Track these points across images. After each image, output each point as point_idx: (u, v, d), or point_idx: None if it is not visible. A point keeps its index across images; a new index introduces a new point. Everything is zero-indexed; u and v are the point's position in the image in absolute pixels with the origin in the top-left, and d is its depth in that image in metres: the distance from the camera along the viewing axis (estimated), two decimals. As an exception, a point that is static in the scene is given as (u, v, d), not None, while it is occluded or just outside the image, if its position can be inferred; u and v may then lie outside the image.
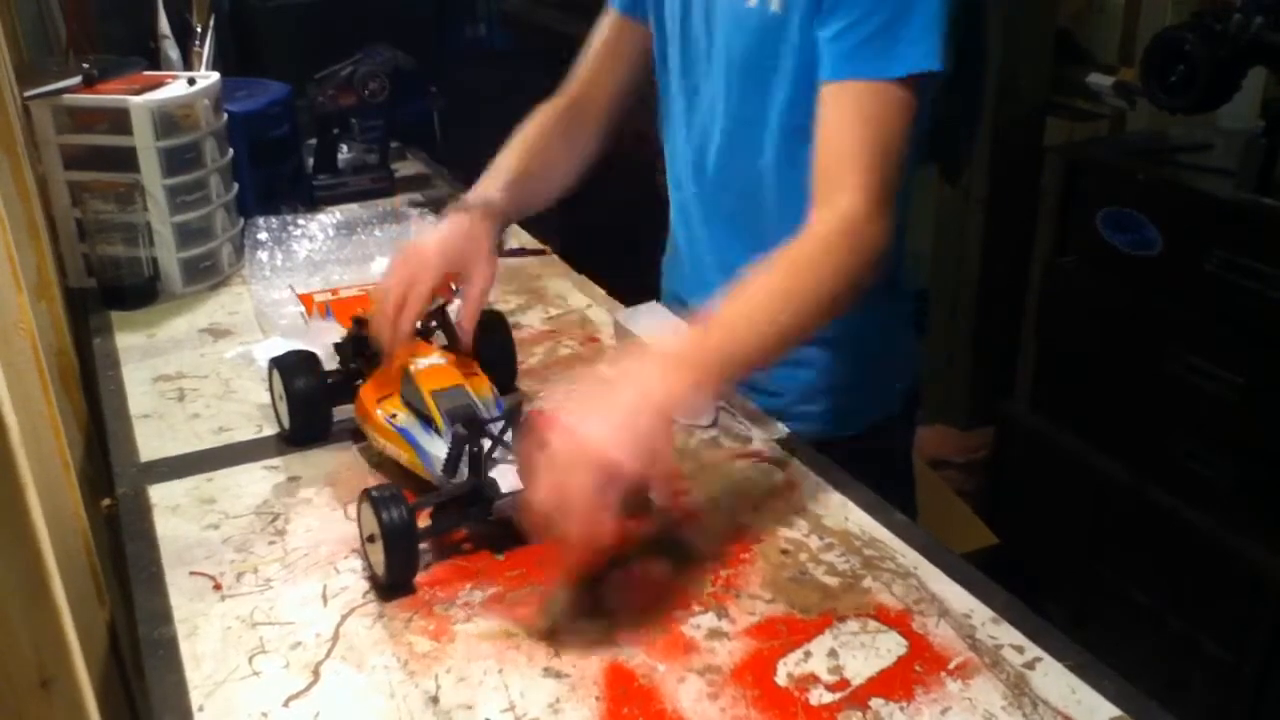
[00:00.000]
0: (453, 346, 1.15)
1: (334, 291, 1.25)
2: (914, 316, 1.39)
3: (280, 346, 1.19)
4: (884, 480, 1.13)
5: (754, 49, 1.14)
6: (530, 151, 1.29)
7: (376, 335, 1.10)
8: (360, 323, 1.14)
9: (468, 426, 0.97)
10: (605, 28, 1.35)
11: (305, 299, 1.29)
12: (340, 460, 1.11)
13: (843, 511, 1.03)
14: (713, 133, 1.22)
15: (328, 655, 0.85)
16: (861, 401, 1.28)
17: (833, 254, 1.05)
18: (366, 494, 0.91)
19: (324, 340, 1.19)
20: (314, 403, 1.13)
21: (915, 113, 1.08)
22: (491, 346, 1.19)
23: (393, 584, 0.91)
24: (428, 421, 1.03)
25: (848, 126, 1.07)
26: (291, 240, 1.55)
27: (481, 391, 1.06)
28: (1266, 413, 1.76)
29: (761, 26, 1.13)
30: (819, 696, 0.81)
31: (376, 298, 1.11)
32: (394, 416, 1.05)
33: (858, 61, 1.06)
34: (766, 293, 1.00)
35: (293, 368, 1.12)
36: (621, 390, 0.90)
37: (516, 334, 1.26)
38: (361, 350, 1.14)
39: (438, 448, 1.00)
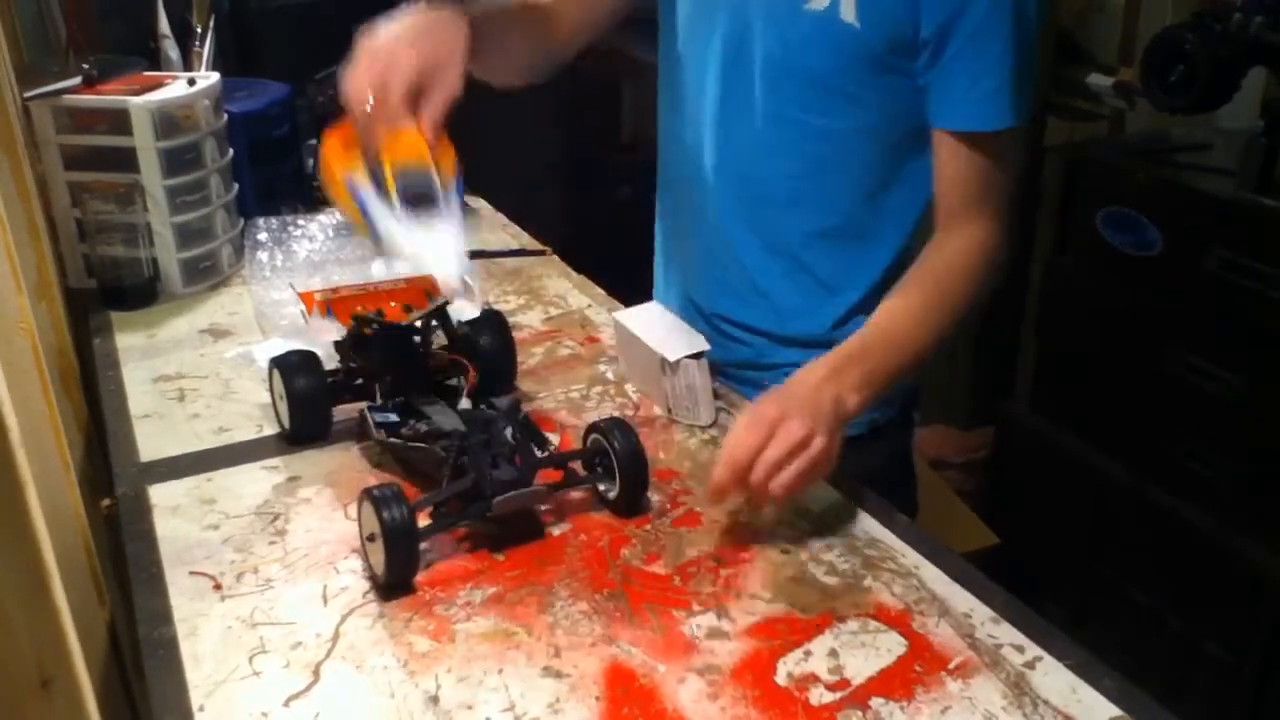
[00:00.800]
0: (452, 347, 1.16)
1: (334, 290, 1.25)
2: None
3: (280, 347, 1.18)
4: (885, 480, 1.13)
5: (813, 55, 1.13)
6: (496, 10, 1.22)
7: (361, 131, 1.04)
8: (361, 320, 1.14)
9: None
10: None
11: (305, 297, 1.29)
12: (340, 460, 1.11)
13: (843, 511, 1.03)
14: (743, 131, 1.20)
15: (328, 655, 0.85)
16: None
17: (971, 275, 1.16)
18: (367, 493, 0.91)
19: (324, 339, 1.19)
20: (314, 402, 1.13)
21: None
22: (491, 346, 1.19)
23: (393, 583, 0.91)
24: (383, 190, 1.02)
25: (974, 174, 1.13)
26: (291, 241, 1.55)
27: (446, 169, 1.04)
28: (1266, 413, 1.76)
29: (828, 34, 1.11)
30: (819, 696, 0.81)
31: (349, 100, 1.03)
32: (352, 174, 1.04)
33: (985, 114, 1.10)
34: (921, 312, 1.12)
35: (293, 367, 1.12)
36: (820, 386, 1.01)
37: (516, 334, 1.26)
38: (362, 348, 1.14)
39: (387, 221, 1.00)
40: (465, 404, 1.07)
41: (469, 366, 1.12)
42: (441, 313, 1.16)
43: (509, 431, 0.99)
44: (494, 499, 0.94)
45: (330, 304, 1.19)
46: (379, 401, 1.10)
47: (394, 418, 1.07)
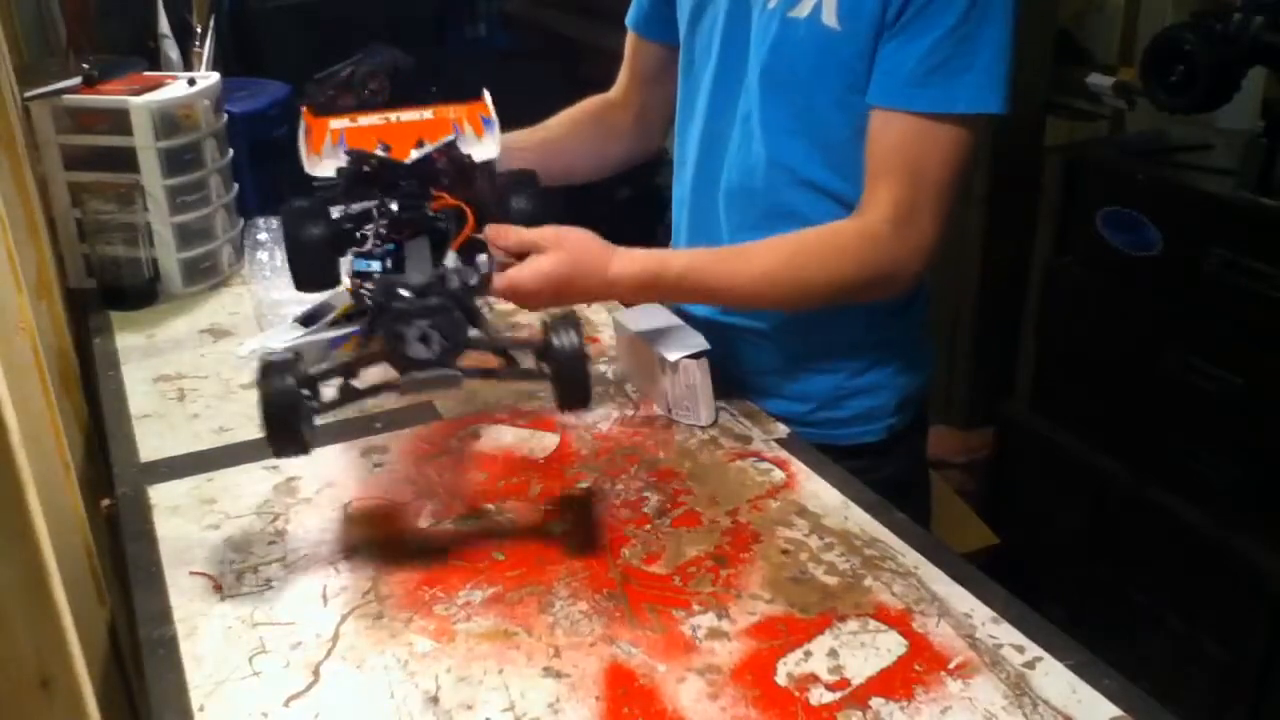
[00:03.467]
0: (457, 189, 1.04)
1: (352, 117, 1.10)
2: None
3: (284, 337, 1.18)
4: (901, 487, 1.13)
5: (800, 62, 1.13)
6: (555, 122, 1.38)
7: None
8: (357, 158, 1.02)
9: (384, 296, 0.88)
10: (627, 43, 1.38)
11: (317, 124, 1.14)
12: (340, 460, 1.11)
13: (843, 511, 1.03)
14: (748, 146, 1.20)
15: (328, 655, 0.85)
16: (885, 403, 1.28)
17: (845, 255, 1.11)
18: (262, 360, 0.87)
19: (328, 171, 1.09)
20: (318, 250, 0.99)
21: (970, 147, 1.09)
22: (519, 209, 1.08)
23: (277, 454, 0.88)
24: None
25: (895, 153, 1.09)
26: (291, 241, 1.54)
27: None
28: (1266, 413, 1.75)
29: (812, 40, 1.11)
30: (819, 696, 0.81)
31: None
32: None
33: (919, 94, 1.07)
34: (764, 263, 1.11)
35: (300, 214, 0.99)
36: (603, 291, 1.12)
37: (516, 334, 1.26)
38: (356, 188, 1.02)
39: None
40: (452, 259, 0.96)
41: (467, 212, 1.01)
42: (451, 150, 1.06)
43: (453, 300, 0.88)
44: (400, 383, 0.87)
45: (345, 132, 1.08)
46: (367, 249, 0.98)
47: (375, 266, 0.96)
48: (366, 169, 1.02)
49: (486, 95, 1.14)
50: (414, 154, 1.04)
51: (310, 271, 1.02)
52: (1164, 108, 1.84)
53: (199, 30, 1.82)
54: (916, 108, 1.08)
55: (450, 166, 1.05)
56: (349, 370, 0.91)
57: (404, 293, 0.87)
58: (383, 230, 0.98)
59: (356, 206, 1.02)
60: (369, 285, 0.92)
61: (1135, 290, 1.96)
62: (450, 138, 1.06)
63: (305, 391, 0.87)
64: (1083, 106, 2.39)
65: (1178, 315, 1.89)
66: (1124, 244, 1.96)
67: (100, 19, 2.01)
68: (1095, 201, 2.01)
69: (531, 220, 1.08)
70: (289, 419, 0.86)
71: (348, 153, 1.04)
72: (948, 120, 1.08)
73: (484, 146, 1.10)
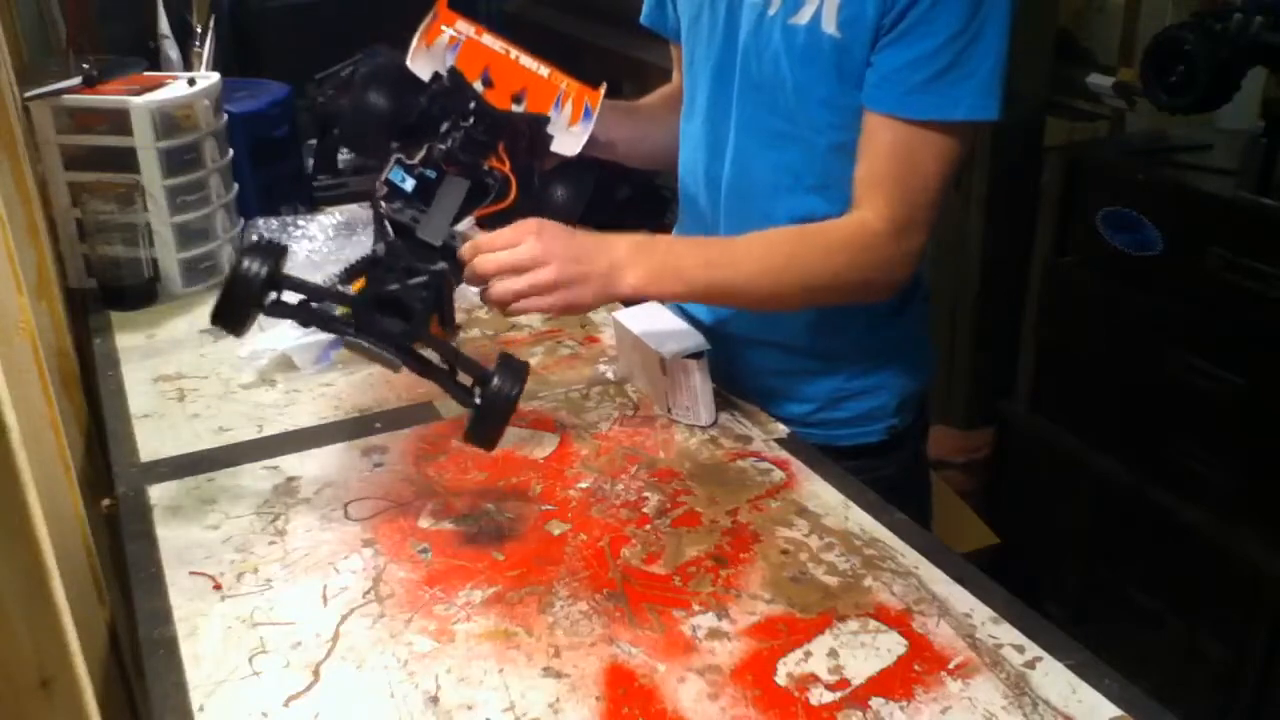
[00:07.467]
0: (516, 160, 1.05)
1: (479, 30, 1.09)
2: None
3: (286, 336, 1.18)
4: (901, 488, 1.13)
5: (799, 69, 1.12)
6: (645, 101, 1.37)
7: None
8: (460, 85, 1.02)
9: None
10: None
11: (446, 14, 1.11)
12: (340, 460, 1.11)
13: (843, 511, 1.03)
14: (745, 148, 1.20)
15: (328, 655, 0.85)
16: (885, 404, 1.28)
17: (836, 249, 1.10)
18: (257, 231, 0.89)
19: (424, 69, 1.08)
20: (376, 117, 1.03)
21: (962, 153, 1.09)
22: (562, 197, 1.12)
23: (214, 324, 0.89)
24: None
25: (887, 157, 1.09)
26: (291, 241, 1.54)
27: None
28: (1266, 413, 1.75)
29: (811, 46, 1.10)
30: (819, 696, 0.81)
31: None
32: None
33: (918, 101, 1.06)
34: (762, 256, 1.10)
35: (377, 73, 1.03)
36: (611, 248, 1.04)
37: (515, 334, 1.26)
38: (441, 104, 1.03)
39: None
40: (468, 223, 0.98)
41: (513, 187, 1.02)
42: (537, 127, 1.07)
43: (433, 280, 0.91)
44: (350, 333, 0.90)
45: (463, 43, 1.08)
46: (413, 161, 0.99)
47: (409, 187, 0.98)
48: (462, 99, 1.04)
49: (604, 89, 1.16)
50: (513, 108, 1.07)
51: (360, 132, 1.06)
52: (1164, 108, 1.84)
53: (199, 30, 1.82)
54: (915, 115, 1.07)
55: (526, 139, 1.07)
56: (318, 294, 0.92)
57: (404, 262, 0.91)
58: (440, 149, 1.00)
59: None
60: (391, 222, 0.94)
61: (1135, 290, 1.96)
62: (545, 116, 1.08)
63: (272, 290, 0.89)
64: (1083, 106, 2.39)
65: (1178, 315, 1.89)
66: (1124, 244, 1.96)
67: (100, 19, 2.01)
68: (1095, 201, 2.00)
69: (566, 213, 1.11)
70: (245, 300, 0.87)
71: (451, 71, 1.06)
72: (945, 128, 1.08)
73: (568, 140, 1.12)
